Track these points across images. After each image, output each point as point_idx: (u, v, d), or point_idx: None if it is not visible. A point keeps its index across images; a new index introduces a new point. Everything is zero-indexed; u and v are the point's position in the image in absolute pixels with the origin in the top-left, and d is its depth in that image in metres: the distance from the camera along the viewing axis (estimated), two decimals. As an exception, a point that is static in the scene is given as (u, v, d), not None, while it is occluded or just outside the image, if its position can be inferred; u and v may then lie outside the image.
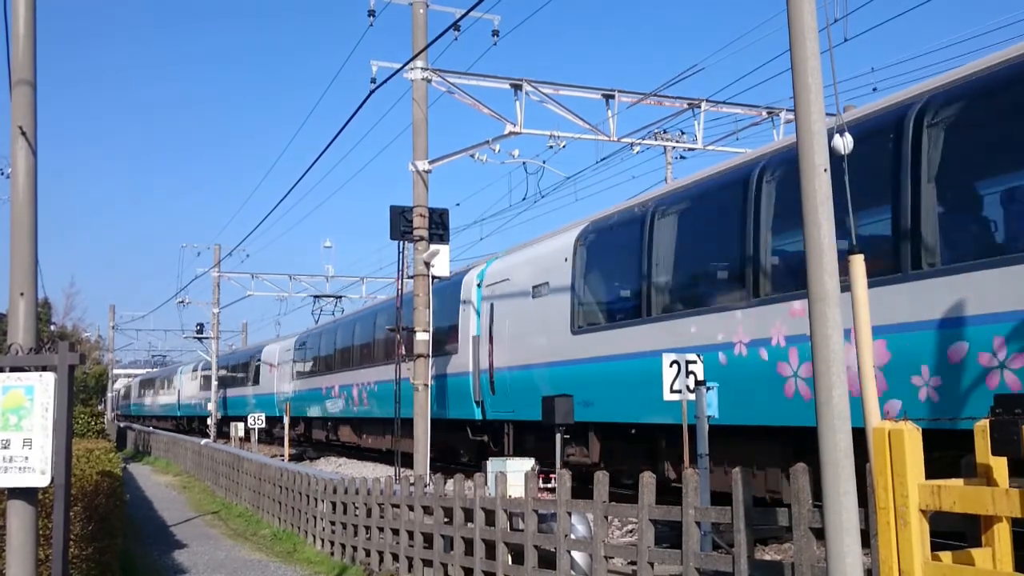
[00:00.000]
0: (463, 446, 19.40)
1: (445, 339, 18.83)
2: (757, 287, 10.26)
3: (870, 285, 5.49)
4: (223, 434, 37.12)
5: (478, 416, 17.39)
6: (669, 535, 9.57)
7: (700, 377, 9.33)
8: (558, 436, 11.89)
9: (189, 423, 52.26)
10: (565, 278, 14.28)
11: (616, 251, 13.48)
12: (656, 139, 21.65)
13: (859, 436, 5.00)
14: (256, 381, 37.50)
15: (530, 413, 14.59)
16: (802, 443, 9.35)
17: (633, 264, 12.61)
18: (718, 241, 11.45)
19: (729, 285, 10.98)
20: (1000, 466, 4.80)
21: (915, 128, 8.48)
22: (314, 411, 30.14)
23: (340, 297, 32.62)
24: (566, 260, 14.31)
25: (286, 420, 28.87)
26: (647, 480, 7.72)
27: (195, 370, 50.62)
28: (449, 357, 18.74)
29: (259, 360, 37.79)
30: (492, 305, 16.89)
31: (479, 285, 17.70)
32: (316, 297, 33.76)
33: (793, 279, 9.79)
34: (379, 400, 22.65)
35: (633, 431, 12.75)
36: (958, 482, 4.86)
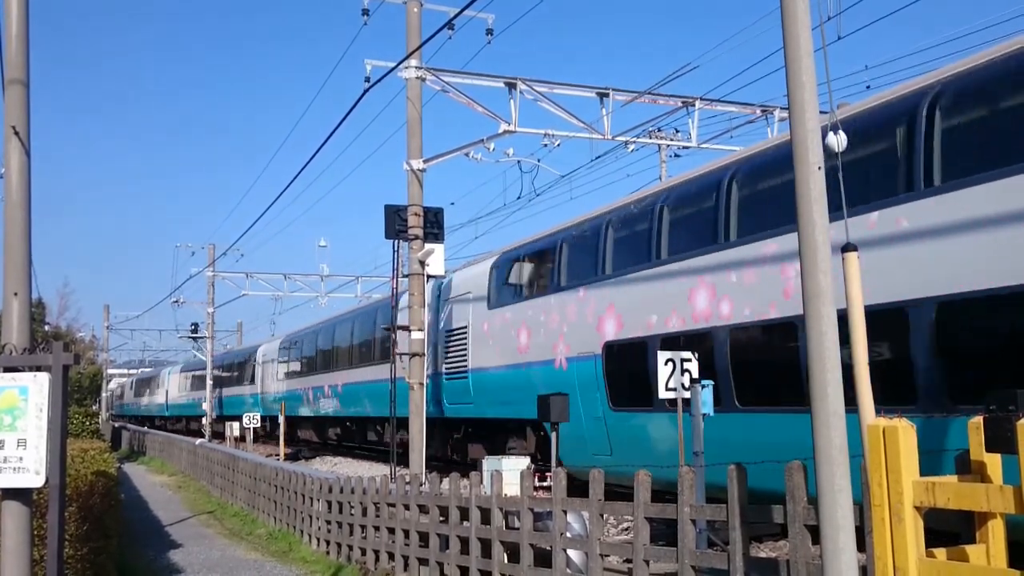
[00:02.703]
0: (263, 429, 36.97)
1: (247, 375, 40.18)
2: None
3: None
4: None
5: (263, 413, 34.94)
6: (665, 533, 9.57)
7: (695, 375, 9.34)
8: (553, 435, 11.89)
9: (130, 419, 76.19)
10: (276, 355, 35.62)
11: (295, 351, 32.98)
12: (651, 137, 21.62)
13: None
14: (153, 393, 62.82)
15: (274, 411, 32.75)
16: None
17: (303, 355, 31.90)
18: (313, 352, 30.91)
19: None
20: (994, 463, 4.81)
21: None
22: (190, 412, 50.89)
23: (199, 337, 46.67)
24: (280, 349, 35.30)
25: (281, 419, 28.90)
26: (642, 478, 7.73)
27: (131, 387, 78.05)
28: (250, 385, 39.37)
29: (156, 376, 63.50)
30: (263, 364, 37.57)
31: (258, 355, 38.85)
32: (193, 337, 47.19)
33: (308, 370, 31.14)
34: (227, 406, 42.82)
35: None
36: (952, 479, 4.87)
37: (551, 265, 14.78)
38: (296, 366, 32.50)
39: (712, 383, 9.38)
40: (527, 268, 15.85)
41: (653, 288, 12.03)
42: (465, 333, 17.23)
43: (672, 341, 11.26)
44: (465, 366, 17.12)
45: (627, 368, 12.55)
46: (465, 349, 17.15)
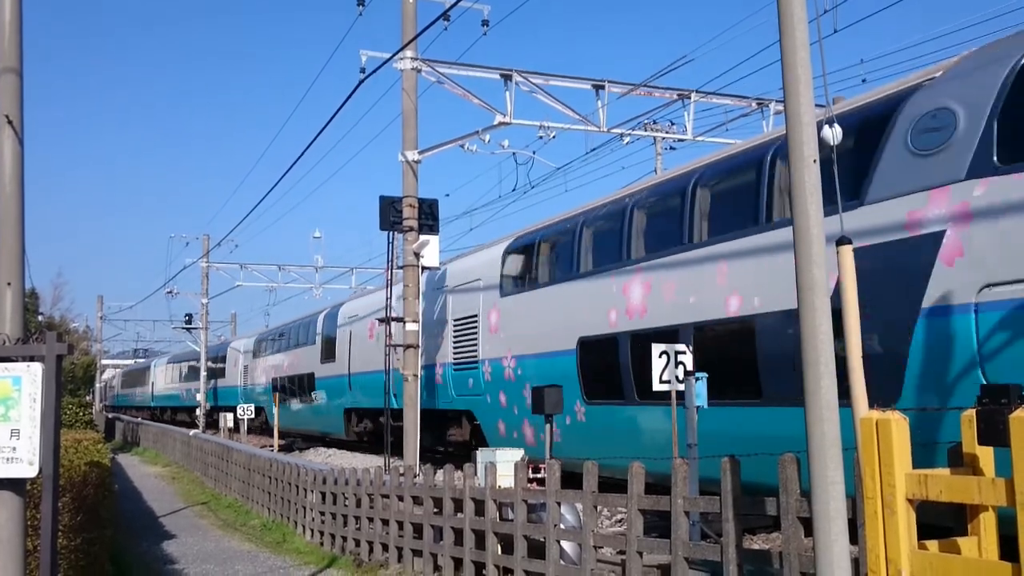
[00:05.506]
0: (155, 415, 59.39)
1: (148, 380, 62.62)
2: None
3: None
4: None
5: (152, 404, 61.74)
6: (658, 524, 9.61)
7: (689, 367, 9.37)
8: (548, 428, 11.90)
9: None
10: (164, 366, 59.66)
11: (176, 367, 55.08)
12: (646, 130, 21.62)
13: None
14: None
15: (162, 403, 59.05)
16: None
17: (180, 369, 53.23)
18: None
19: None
20: (986, 455, 4.83)
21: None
22: (132, 403, 70.71)
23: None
24: (167, 364, 58.94)
25: (275, 411, 28.92)
26: (636, 470, 7.75)
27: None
28: (149, 387, 62.89)
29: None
30: (155, 372, 60.76)
31: (152, 364, 64.19)
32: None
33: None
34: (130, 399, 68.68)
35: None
36: (944, 471, 4.89)
37: (277, 340, 33.36)
38: (176, 376, 51.97)
39: (706, 375, 9.52)
40: (271, 343, 34.55)
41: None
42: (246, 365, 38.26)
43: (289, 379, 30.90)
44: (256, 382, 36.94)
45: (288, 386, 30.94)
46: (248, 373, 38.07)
